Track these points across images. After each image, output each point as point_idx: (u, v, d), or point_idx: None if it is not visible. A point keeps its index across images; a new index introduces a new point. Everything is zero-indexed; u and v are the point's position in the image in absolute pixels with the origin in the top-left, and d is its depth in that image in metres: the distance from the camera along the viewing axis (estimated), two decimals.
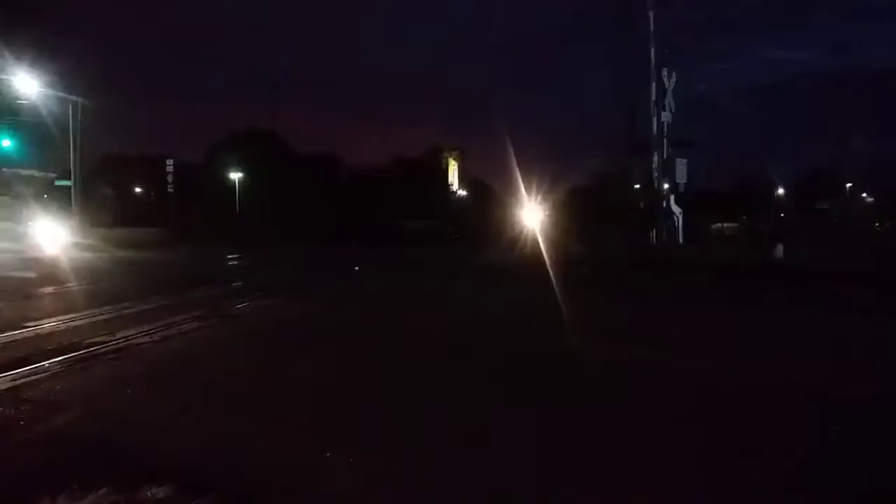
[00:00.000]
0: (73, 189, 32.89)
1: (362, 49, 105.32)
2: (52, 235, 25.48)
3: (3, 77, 28.37)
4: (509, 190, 38.77)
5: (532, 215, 32.91)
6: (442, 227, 39.04)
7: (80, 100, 31.22)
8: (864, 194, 57.50)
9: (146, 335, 6.92)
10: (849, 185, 55.40)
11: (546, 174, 35.15)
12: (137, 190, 51.07)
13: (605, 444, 3.82)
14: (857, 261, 15.01)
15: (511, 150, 35.18)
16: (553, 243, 21.30)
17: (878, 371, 5.66)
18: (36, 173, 37.72)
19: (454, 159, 67.71)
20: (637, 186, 30.41)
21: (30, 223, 29.66)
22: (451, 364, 5.87)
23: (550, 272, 13.09)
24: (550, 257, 16.07)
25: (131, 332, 7.01)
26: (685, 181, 26.84)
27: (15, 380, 5.05)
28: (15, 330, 7.15)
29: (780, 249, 17.64)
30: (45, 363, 5.55)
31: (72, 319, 8.00)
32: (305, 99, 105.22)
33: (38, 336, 6.90)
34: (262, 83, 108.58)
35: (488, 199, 51.29)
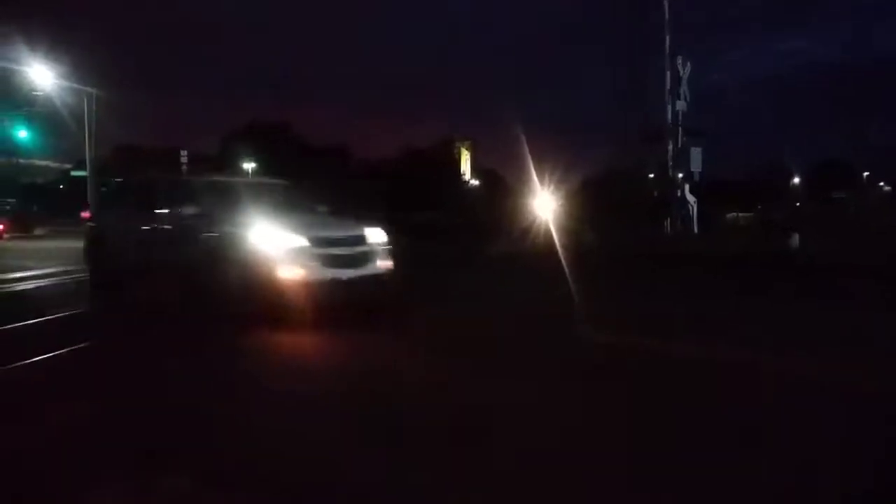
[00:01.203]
0: (89, 180, 33.14)
1: (364, 48, 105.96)
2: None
3: (19, 68, 28.57)
4: (521, 180, 38.66)
5: (545, 205, 32.76)
6: (450, 218, 38.86)
7: (94, 91, 31.38)
8: (882, 183, 56.78)
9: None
10: (866, 174, 54.68)
11: (559, 164, 35.01)
12: None
13: (603, 431, 3.83)
14: (876, 255, 14.78)
15: (524, 139, 35.03)
16: (566, 233, 21.21)
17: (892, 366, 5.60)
18: (51, 164, 38.00)
19: (466, 149, 67.56)
20: (651, 176, 30.23)
21: None
22: (452, 362, 5.86)
23: (563, 262, 13.05)
24: (563, 247, 16.01)
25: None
26: (700, 170, 26.60)
27: None
28: None
29: (795, 240, 17.44)
30: None
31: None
32: (312, 97, 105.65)
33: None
34: (271, 82, 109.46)
35: (501, 189, 51.17)
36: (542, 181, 33.97)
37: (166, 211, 8.17)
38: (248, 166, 48.32)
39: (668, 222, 26.91)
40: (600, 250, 17.62)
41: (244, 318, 6.69)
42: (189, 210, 7.66)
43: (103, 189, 13.76)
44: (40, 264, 13.97)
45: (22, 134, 34.37)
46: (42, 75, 29.02)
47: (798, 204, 49.15)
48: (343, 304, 7.09)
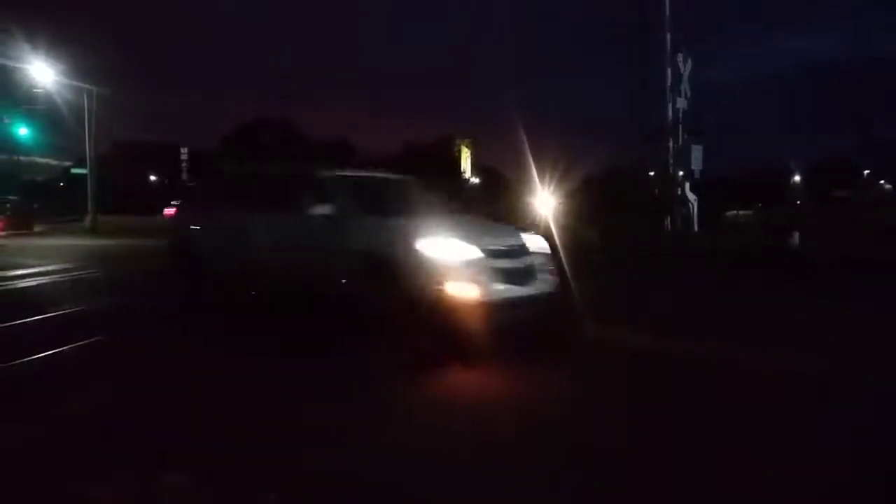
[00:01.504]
0: (89, 177, 33.11)
1: (365, 48, 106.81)
2: None
3: (19, 65, 28.53)
4: (522, 178, 38.68)
5: (545, 203, 32.74)
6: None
7: (94, 88, 31.34)
8: (882, 181, 56.66)
9: None
10: (866, 172, 54.58)
11: (560, 162, 34.93)
12: (153, 178, 51.49)
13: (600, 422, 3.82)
14: (876, 253, 14.74)
15: (524, 137, 34.97)
16: (566, 231, 21.20)
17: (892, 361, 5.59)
18: (51, 161, 37.97)
19: (467, 147, 67.57)
20: (652, 174, 30.17)
21: None
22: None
23: (563, 260, 13.02)
24: (563, 245, 15.98)
25: None
26: (700, 168, 26.55)
27: None
28: None
29: (795, 238, 17.40)
30: None
31: None
32: (314, 95, 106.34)
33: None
34: (273, 79, 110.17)
35: (501, 186, 51.19)
36: (542, 179, 33.91)
37: (295, 212, 6.90)
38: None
39: (668, 220, 26.88)
40: (601, 249, 17.60)
41: (392, 339, 5.67)
42: (324, 210, 6.55)
43: (190, 185, 12.26)
44: (40, 262, 13.97)
45: (22, 131, 34.36)
46: (42, 72, 28.96)
47: (799, 202, 49.03)
48: (511, 327, 5.91)
